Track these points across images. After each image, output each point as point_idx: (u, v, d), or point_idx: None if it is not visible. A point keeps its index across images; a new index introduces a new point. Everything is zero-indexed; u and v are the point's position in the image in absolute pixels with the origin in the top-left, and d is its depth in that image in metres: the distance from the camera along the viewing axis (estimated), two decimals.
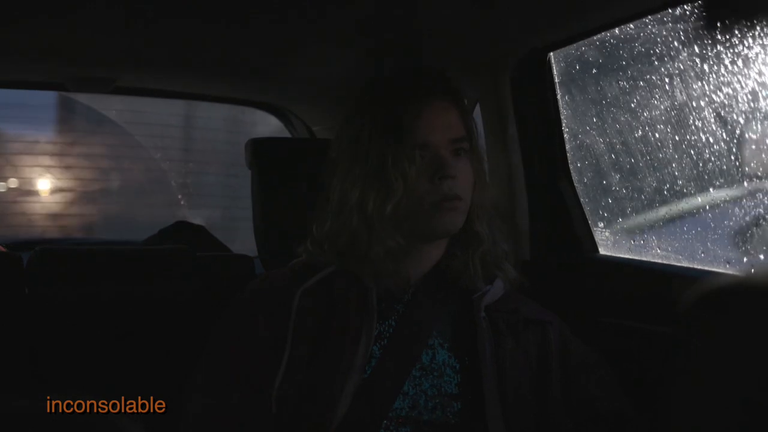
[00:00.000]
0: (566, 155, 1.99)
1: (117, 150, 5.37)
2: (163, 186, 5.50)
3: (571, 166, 2.00)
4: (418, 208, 1.43)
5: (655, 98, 1.93)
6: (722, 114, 1.83)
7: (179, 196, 5.51)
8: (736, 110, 1.80)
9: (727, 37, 1.69)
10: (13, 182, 5.00)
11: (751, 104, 1.76)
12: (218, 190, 5.73)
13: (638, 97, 1.96)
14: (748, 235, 1.84)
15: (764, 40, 1.67)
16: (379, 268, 1.44)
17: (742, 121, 1.80)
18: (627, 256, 1.94)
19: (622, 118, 2.00)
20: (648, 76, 1.93)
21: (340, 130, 1.52)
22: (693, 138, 1.87)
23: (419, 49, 1.97)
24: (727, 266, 1.73)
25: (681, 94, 1.88)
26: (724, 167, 1.84)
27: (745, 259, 1.76)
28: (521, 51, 1.94)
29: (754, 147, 1.81)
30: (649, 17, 1.77)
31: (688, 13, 1.75)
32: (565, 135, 2.00)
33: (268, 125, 3.12)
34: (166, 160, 5.58)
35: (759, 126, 1.78)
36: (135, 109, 5.22)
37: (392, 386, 1.41)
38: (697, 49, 1.80)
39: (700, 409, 0.84)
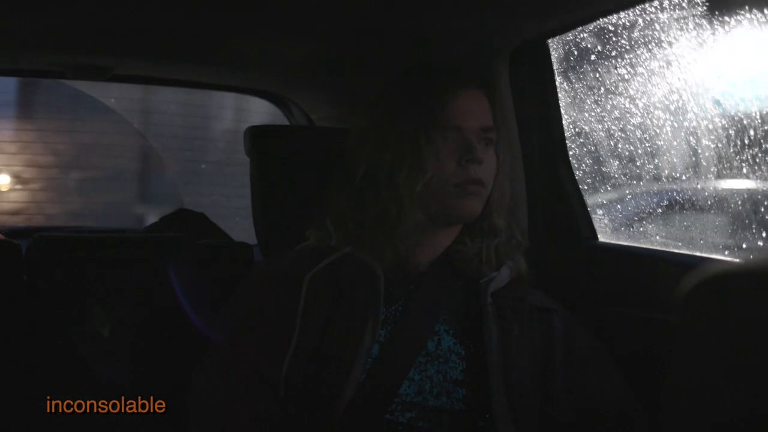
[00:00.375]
0: (565, 142, 1.99)
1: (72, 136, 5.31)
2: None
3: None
4: (444, 189, 1.45)
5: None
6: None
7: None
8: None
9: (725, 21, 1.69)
10: None
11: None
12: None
13: None
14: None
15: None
16: (402, 246, 1.46)
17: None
18: (626, 243, 1.94)
19: None
20: None
21: (370, 108, 1.54)
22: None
23: (418, 38, 1.97)
24: (726, 253, 1.73)
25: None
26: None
27: (744, 246, 1.77)
28: (518, 38, 1.93)
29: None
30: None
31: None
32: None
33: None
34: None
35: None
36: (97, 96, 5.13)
37: (398, 372, 1.41)
38: None
39: (697, 395, 0.84)
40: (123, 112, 5.31)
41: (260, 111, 3.19)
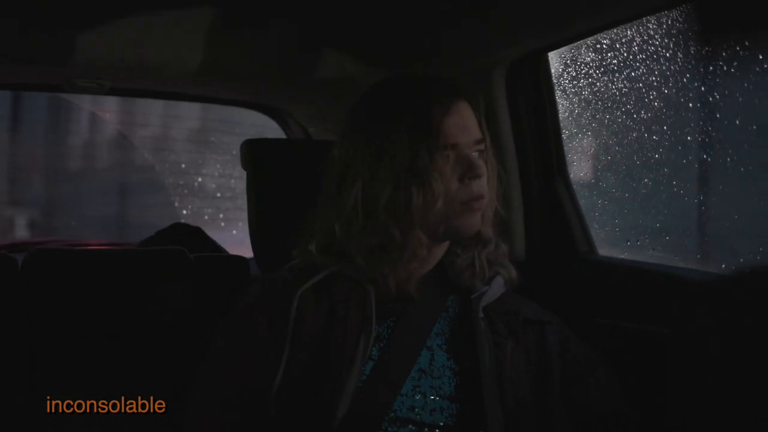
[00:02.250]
0: (563, 155, 1.99)
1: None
2: None
3: None
4: (450, 209, 1.41)
5: None
6: None
7: None
8: None
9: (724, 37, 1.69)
10: None
11: None
12: None
13: None
14: None
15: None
16: (404, 270, 1.44)
17: None
18: (624, 257, 1.94)
19: None
20: None
21: (355, 128, 1.48)
22: None
23: (417, 51, 1.97)
24: (723, 267, 1.73)
25: None
26: None
27: (741, 260, 1.77)
28: (517, 51, 1.93)
29: None
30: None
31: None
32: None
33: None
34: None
35: None
36: None
37: (391, 388, 1.40)
38: None
39: (698, 408, 0.84)
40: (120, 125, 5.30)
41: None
